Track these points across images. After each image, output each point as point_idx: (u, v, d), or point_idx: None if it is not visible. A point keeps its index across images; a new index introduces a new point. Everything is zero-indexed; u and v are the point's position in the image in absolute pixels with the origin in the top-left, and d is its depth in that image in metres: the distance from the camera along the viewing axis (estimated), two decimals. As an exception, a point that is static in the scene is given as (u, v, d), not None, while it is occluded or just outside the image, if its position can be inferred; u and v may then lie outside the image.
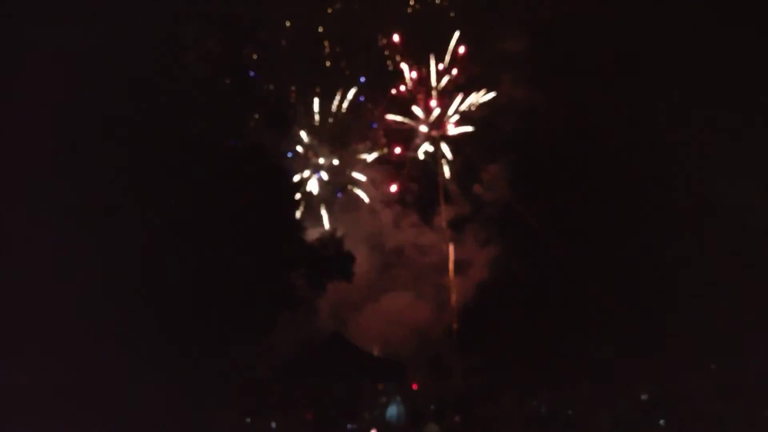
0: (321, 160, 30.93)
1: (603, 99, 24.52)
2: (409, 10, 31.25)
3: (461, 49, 30.48)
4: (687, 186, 23.51)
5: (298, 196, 21.62)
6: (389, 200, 31.02)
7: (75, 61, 14.92)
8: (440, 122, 31.38)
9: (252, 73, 20.24)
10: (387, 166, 31.42)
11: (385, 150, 31.03)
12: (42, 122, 14.36)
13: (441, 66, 30.82)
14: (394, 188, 30.90)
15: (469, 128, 30.76)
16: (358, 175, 31.25)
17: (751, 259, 21.31)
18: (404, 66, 30.66)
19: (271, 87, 24.50)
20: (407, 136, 31.45)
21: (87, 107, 15.01)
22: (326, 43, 30.45)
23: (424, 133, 31.24)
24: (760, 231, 21.35)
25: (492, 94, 30.39)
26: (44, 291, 13.70)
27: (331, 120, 30.88)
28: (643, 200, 24.79)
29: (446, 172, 31.45)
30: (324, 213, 29.91)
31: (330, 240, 20.62)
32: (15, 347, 13.54)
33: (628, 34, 24.34)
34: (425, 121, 31.27)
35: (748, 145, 20.92)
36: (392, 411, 16.47)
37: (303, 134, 30.12)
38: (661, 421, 15.21)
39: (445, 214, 31.39)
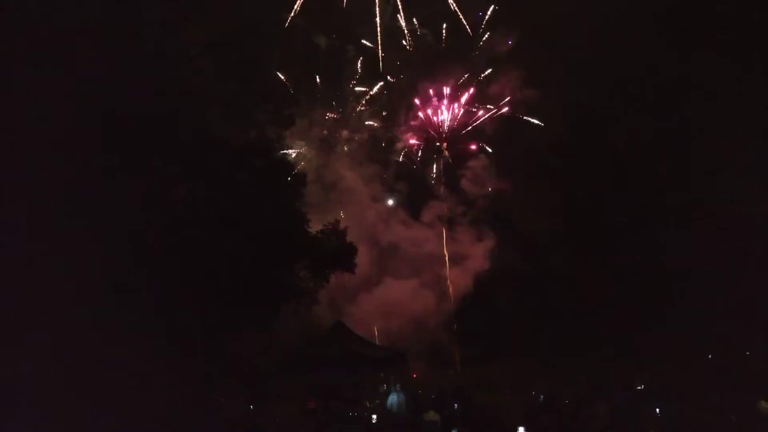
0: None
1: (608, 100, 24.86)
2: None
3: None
4: (684, 183, 23.80)
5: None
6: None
7: (74, 60, 15.12)
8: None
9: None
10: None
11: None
12: (46, 119, 14.56)
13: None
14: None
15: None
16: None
17: (747, 252, 21.62)
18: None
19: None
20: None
21: (89, 103, 15.21)
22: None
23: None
24: (756, 225, 21.67)
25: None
26: (50, 285, 13.96)
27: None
28: (640, 196, 25.13)
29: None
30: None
31: (332, 232, 20.85)
32: (21, 341, 13.84)
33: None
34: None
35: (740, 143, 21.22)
36: (393, 399, 16.62)
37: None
38: (657, 410, 15.42)
39: (443, 210, 31.80)
